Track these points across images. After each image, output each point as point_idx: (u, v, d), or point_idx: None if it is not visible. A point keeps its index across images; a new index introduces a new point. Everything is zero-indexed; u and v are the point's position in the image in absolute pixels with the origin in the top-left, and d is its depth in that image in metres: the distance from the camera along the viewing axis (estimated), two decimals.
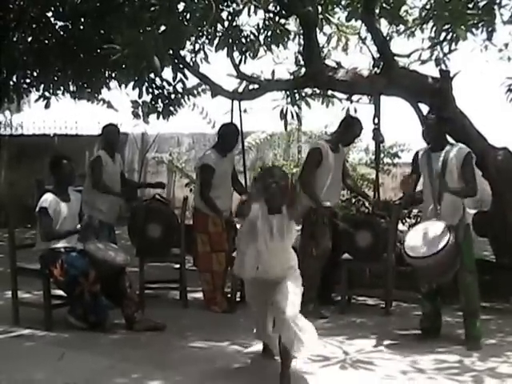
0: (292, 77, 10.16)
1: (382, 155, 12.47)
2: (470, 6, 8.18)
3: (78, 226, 7.05)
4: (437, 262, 6.24)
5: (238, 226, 8.16)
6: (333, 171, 7.89)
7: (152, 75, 9.24)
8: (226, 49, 9.19)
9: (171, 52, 8.27)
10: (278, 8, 9.55)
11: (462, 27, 7.88)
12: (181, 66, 9.51)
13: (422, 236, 6.39)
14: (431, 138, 6.79)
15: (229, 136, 8.14)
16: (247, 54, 9.49)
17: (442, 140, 6.73)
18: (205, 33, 9.38)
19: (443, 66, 9.17)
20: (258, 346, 6.27)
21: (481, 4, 8.19)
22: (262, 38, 9.50)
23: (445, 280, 6.53)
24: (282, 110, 9.98)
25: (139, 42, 7.15)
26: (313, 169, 7.79)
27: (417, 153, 6.95)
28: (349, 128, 8.09)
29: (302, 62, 9.93)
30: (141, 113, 10.37)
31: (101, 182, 8.12)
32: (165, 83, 10.01)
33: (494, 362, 6.03)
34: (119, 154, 8.61)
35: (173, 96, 10.17)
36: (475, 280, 6.57)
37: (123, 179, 8.63)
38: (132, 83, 8.29)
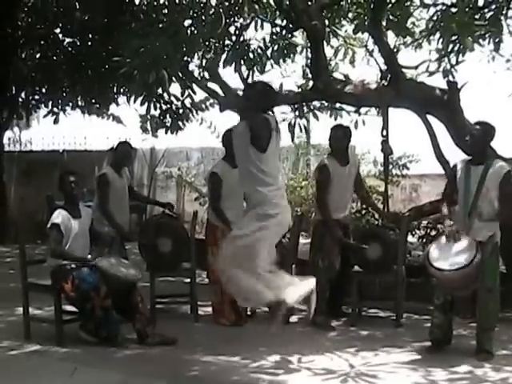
0: (300, 90, 10.20)
1: (390, 167, 12.47)
2: (477, 17, 8.22)
3: (89, 256, 7.07)
4: (461, 277, 6.23)
5: None
6: (341, 185, 7.88)
7: (160, 90, 9.27)
8: (233, 63, 9.22)
9: (179, 67, 8.32)
10: (285, 22, 9.59)
11: (469, 38, 7.90)
12: (189, 81, 9.55)
13: (449, 249, 6.37)
14: (475, 150, 6.60)
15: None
16: (255, 68, 9.52)
17: (484, 153, 6.57)
18: (212, 47, 9.43)
19: (451, 78, 9.18)
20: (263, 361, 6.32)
21: (487, 15, 8.22)
22: (269, 52, 9.53)
23: (464, 294, 6.52)
24: (290, 123, 10.00)
25: (148, 51, 7.20)
26: (326, 186, 7.79)
27: (455, 164, 6.81)
28: (338, 139, 8.05)
29: (309, 75, 9.97)
30: (149, 127, 10.41)
31: (106, 206, 8.04)
32: (173, 98, 10.05)
33: (506, 372, 6.00)
34: (126, 168, 8.54)
35: (181, 111, 10.20)
36: (494, 298, 6.49)
37: (132, 193, 8.63)
38: (140, 98, 8.32)
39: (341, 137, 8.01)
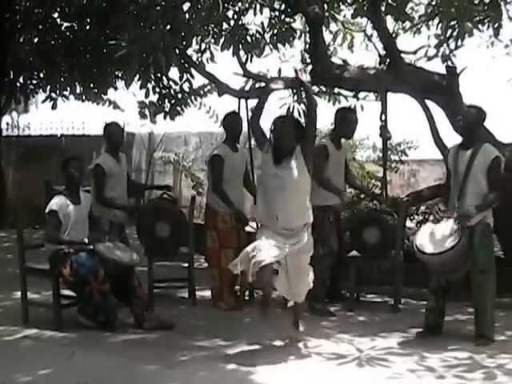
0: None
1: (389, 152, 12.48)
2: (476, 2, 8.18)
3: (86, 239, 7.05)
4: (445, 260, 6.24)
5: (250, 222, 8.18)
6: (336, 169, 7.88)
7: (158, 75, 9.23)
8: (231, 48, 9.19)
9: (177, 51, 8.28)
10: (284, 6, 9.55)
11: (468, 23, 7.86)
12: (187, 65, 9.51)
13: (434, 233, 6.38)
14: (464, 132, 6.60)
15: (232, 124, 8.10)
16: (253, 53, 9.49)
17: (473, 137, 6.53)
18: (211, 32, 9.39)
19: (449, 63, 9.16)
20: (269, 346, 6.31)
21: (487, 0, 8.18)
22: (267, 36, 9.50)
23: (454, 277, 6.51)
24: (288, 108, 9.98)
25: (145, 39, 7.17)
26: (324, 166, 7.75)
27: (449, 149, 6.88)
28: (344, 120, 8.02)
29: (308, 60, 9.93)
30: (147, 113, 10.38)
31: (102, 194, 7.91)
32: (171, 83, 10.01)
33: (504, 359, 6.00)
34: (124, 154, 8.42)
35: (179, 95, 10.16)
36: (488, 280, 6.49)
37: (128, 181, 8.51)
38: (139, 83, 8.28)
39: (351, 120, 8.00)
